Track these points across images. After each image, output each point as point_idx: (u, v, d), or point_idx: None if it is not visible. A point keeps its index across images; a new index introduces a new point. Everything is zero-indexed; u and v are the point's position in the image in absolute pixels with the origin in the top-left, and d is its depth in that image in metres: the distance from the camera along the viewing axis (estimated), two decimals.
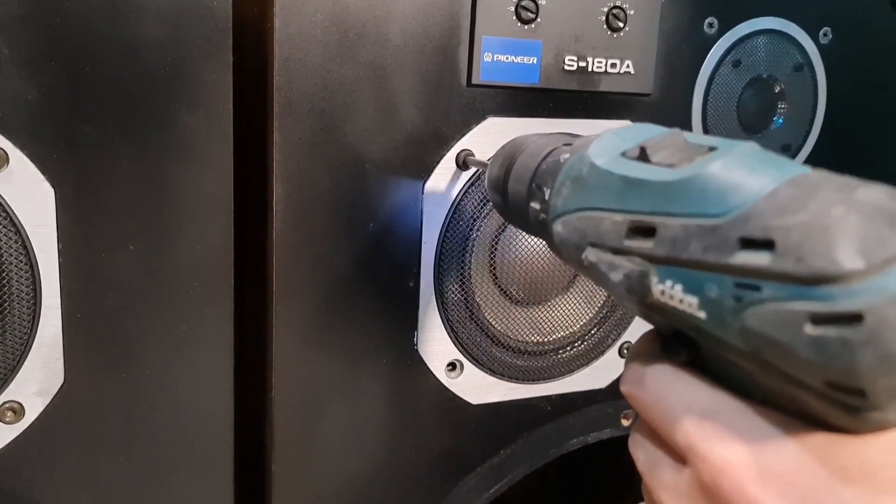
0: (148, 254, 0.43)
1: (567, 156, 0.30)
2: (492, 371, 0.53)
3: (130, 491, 0.45)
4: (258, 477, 0.51)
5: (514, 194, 0.36)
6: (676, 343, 0.26)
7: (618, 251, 0.26)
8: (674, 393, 0.25)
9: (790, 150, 0.60)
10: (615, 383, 0.57)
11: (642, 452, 0.27)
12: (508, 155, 0.37)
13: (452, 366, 0.51)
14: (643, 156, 0.26)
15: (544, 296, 0.54)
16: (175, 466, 0.46)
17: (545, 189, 0.31)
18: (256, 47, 0.46)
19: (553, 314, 0.54)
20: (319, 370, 0.48)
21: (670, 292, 0.24)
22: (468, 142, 0.48)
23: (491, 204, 0.49)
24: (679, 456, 0.25)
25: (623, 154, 0.27)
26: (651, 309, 0.25)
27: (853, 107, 0.61)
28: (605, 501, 0.83)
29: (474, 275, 0.51)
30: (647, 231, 0.25)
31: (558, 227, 0.29)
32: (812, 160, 0.61)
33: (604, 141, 0.28)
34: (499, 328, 0.52)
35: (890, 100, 0.63)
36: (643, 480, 0.27)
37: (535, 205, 0.33)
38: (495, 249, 0.51)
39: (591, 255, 0.27)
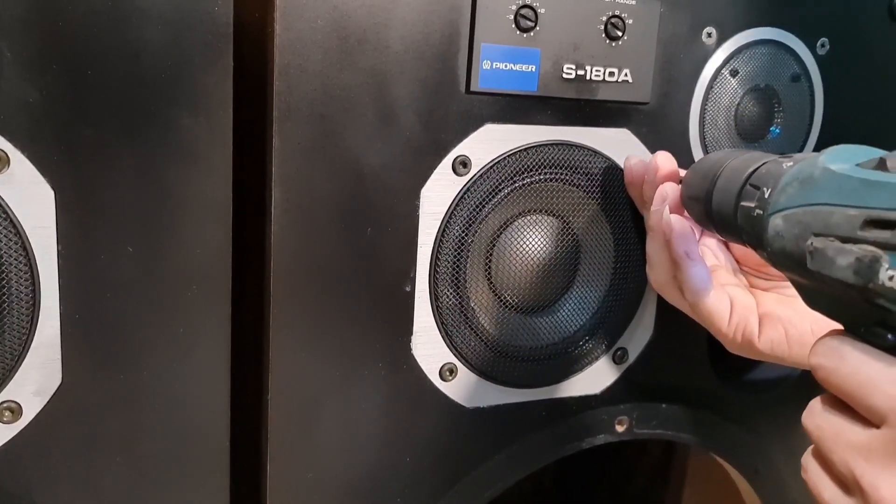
0: (147, 256, 0.43)
1: (790, 164, 0.36)
2: (486, 375, 0.53)
3: (127, 491, 0.46)
4: (254, 478, 0.51)
5: (720, 195, 0.43)
6: (883, 329, 0.30)
7: (847, 240, 0.30)
8: (874, 367, 0.29)
9: None
10: (610, 389, 0.58)
11: (824, 421, 0.31)
12: (709, 170, 0.45)
13: (447, 370, 0.52)
14: (882, 166, 0.30)
15: (539, 301, 0.54)
16: (171, 467, 0.46)
17: (763, 189, 0.37)
18: (257, 52, 0.46)
19: (548, 319, 0.54)
20: (315, 373, 0.48)
21: None
22: (465, 148, 0.49)
23: (494, 206, 0.50)
24: (871, 420, 0.29)
25: (858, 165, 0.31)
26: (871, 293, 0.28)
27: (850, 117, 0.62)
28: None
29: (470, 280, 0.51)
30: (884, 224, 0.28)
31: (777, 220, 0.34)
32: None
33: (837, 152, 0.33)
34: (493, 333, 0.53)
35: (887, 111, 0.63)
36: (820, 447, 0.31)
37: (749, 203, 0.39)
38: (491, 255, 0.52)
39: (816, 242, 0.31)
